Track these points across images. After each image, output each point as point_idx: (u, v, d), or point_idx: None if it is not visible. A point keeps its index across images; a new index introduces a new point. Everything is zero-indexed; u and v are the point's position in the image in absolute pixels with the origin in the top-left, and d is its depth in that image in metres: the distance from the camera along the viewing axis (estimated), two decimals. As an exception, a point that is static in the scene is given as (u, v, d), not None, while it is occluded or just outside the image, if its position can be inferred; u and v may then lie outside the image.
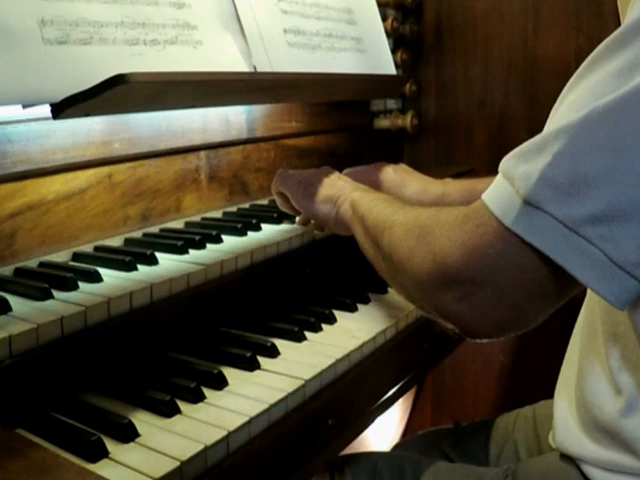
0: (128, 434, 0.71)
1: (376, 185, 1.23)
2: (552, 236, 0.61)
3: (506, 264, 0.65)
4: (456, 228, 0.69)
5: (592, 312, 0.84)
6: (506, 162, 0.67)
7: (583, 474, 0.82)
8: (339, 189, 1.08)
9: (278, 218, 1.22)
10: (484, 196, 0.68)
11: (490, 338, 0.72)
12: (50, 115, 0.84)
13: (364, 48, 1.42)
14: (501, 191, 0.66)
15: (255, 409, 0.77)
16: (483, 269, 0.66)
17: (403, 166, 1.31)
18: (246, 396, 0.81)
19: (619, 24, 0.64)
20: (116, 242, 1.10)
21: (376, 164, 1.30)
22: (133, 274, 0.94)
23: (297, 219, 1.22)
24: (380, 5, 1.56)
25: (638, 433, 0.75)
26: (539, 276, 0.64)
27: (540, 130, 0.65)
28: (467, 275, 0.67)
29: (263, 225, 1.19)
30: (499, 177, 0.67)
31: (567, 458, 0.85)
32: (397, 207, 0.87)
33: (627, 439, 0.76)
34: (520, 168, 0.64)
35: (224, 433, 0.72)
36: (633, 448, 0.75)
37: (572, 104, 0.63)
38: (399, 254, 0.78)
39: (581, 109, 0.60)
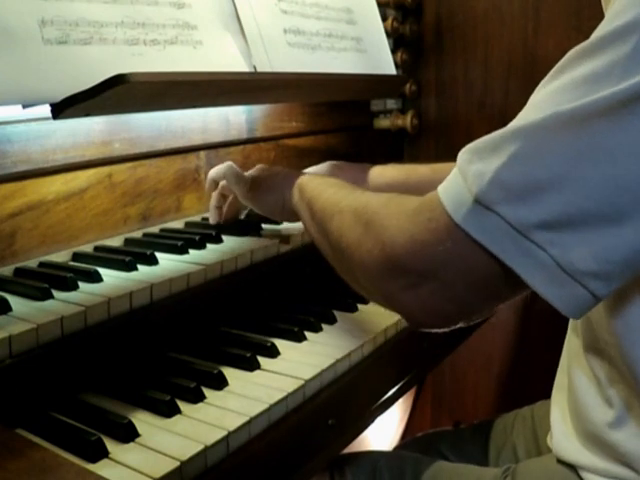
0: (128, 434, 0.71)
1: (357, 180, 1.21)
2: (501, 238, 0.61)
3: (454, 260, 0.64)
4: (407, 220, 0.68)
5: (575, 323, 0.84)
6: (462, 155, 0.66)
7: (580, 478, 0.82)
8: (284, 175, 1.05)
9: (278, 218, 1.22)
10: (439, 187, 0.67)
11: (434, 329, 0.72)
12: (50, 115, 0.84)
13: (364, 48, 1.42)
14: (454, 186, 0.65)
15: (255, 409, 0.77)
16: (431, 263, 0.66)
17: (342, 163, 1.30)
18: (246, 396, 0.81)
19: None
20: (116, 242, 1.10)
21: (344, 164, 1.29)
22: (133, 274, 0.94)
23: (211, 216, 1.20)
24: (380, 5, 1.56)
25: (629, 445, 0.75)
26: (487, 274, 0.64)
27: None
28: (414, 267, 0.67)
29: (263, 225, 1.19)
30: (455, 171, 0.66)
31: (564, 462, 0.85)
32: (347, 192, 0.86)
33: (619, 451, 0.76)
34: (474, 165, 0.63)
35: (224, 433, 0.72)
36: (625, 460, 0.75)
37: (534, 105, 0.62)
38: (347, 240, 0.76)
39: (540, 111, 0.60)
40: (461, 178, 0.64)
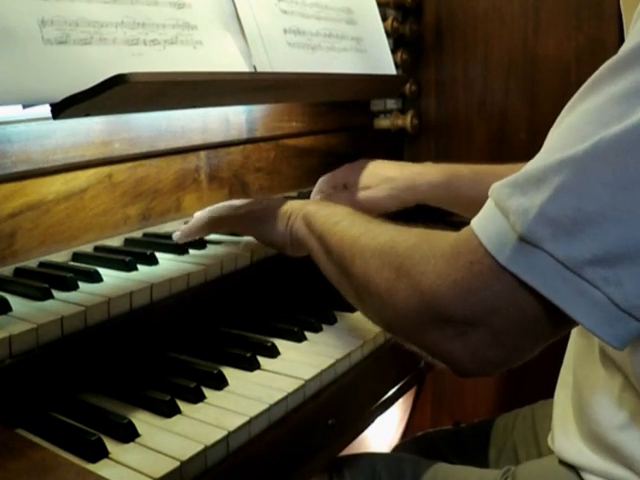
0: (128, 434, 0.71)
1: (359, 176, 1.22)
2: (551, 277, 0.57)
3: (503, 304, 0.61)
4: (446, 264, 0.63)
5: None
6: (500, 190, 0.62)
7: (582, 479, 0.82)
8: (288, 207, 0.98)
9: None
10: (475, 226, 0.63)
11: (483, 376, 0.68)
12: (50, 115, 0.84)
13: (364, 48, 1.42)
14: (494, 223, 0.61)
15: (255, 409, 0.77)
16: (479, 310, 0.61)
17: (379, 160, 1.27)
18: (246, 396, 0.81)
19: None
20: (116, 242, 1.10)
21: (348, 164, 1.27)
22: (133, 274, 0.94)
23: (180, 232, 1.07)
24: (380, 5, 1.56)
25: (635, 448, 0.74)
26: (537, 316, 0.60)
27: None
28: (461, 315, 0.62)
29: (263, 225, 1.19)
30: (490, 205, 0.63)
31: (566, 463, 0.85)
32: (362, 226, 0.80)
33: (623, 453, 0.75)
34: (516, 200, 0.59)
35: (224, 433, 0.72)
36: (629, 462, 0.75)
37: (573, 129, 0.59)
38: (378, 287, 0.71)
39: (585, 138, 0.56)
40: (501, 214, 0.60)
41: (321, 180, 1.27)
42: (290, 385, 0.83)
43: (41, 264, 0.98)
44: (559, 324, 0.62)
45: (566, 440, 0.84)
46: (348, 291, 0.82)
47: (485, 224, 0.62)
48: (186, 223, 1.22)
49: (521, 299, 0.60)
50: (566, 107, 0.62)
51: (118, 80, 0.81)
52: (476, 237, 0.62)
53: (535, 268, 0.58)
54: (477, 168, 1.17)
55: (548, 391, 0.95)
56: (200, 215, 1.09)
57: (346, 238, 0.80)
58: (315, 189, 1.28)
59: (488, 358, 0.64)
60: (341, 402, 0.91)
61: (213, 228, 1.08)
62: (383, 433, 1.92)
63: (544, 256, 0.57)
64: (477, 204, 1.03)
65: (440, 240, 0.67)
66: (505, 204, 0.60)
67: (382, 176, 1.21)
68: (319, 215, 0.90)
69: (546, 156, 0.60)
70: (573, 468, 0.83)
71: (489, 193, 0.63)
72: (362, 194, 1.21)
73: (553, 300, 0.58)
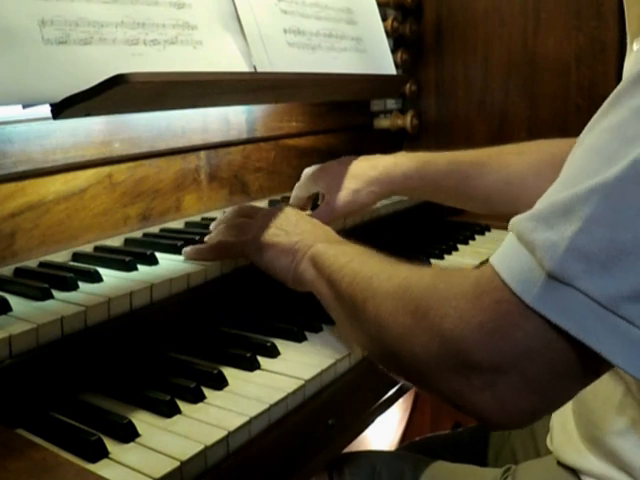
0: (128, 434, 0.71)
1: (331, 191, 1.18)
2: (583, 316, 0.52)
3: (535, 346, 0.55)
4: (469, 305, 0.58)
5: None
6: (522, 224, 0.57)
7: None
8: (296, 240, 0.92)
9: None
10: (496, 263, 0.58)
11: (515, 427, 0.64)
12: (50, 115, 0.84)
13: (364, 48, 1.42)
14: (518, 260, 0.56)
15: (255, 409, 0.77)
16: (508, 353, 0.56)
17: (347, 158, 1.24)
18: (246, 396, 0.81)
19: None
20: (116, 242, 1.10)
21: (339, 159, 1.23)
22: (133, 274, 0.94)
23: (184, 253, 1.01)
24: (380, 5, 1.56)
25: (634, 455, 0.73)
26: (571, 359, 0.55)
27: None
28: (488, 361, 0.57)
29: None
30: (512, 240, 0.58)
31: (564, 464, 0.85)
32: (374, 267, 0.75)
33: (623, 459, 0.75)
34: (542, 234, 0.54)
35: (224, 433, 0.72)
36: (628, 469, 0.74)
37: (597, 150, 0.55)
38: (392, 333, 0.66)
39: (613, 160, 0.52)
40: (525, 250, 0.56)
41: (297, 188, 1.23)
42: (290, 385, 0.83)
43: (41, 264, 0.98)
44: (595, 366, 0.57)
45: (565, 442, 0.84)
46: (360, 337, 0.77)
47: (508, 261, 0.57)
48: (186, 223, 1.23)
49: (552, 341, 0.54)
50: (587, 127, 0.58)
51: (118, 80, 0.81)
52: (497, 276, 0.57)
53: (566, 307, 0.53)
54: (451, 156, 1.15)
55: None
56: (211, 237, 1.04)
57: (357, 281, 0.75)
58: (293, 197, 1.24)
59: (520, 408, 0.58)
60: (341, 402, 0.91)
61: (222, 254, 1.00)
62: (383, 433, 1.92)
63: (575, 294, 0.52)
64: (454, 193, 1.00)
65: (459, 279, 0.62)
66: (529, 238, 0.55)
67: (358, 177, 1.17)
68: (327, 256, 0.85)
69: (571, 183, 0.55)
70: (572, 470, 0.83)
71: (509, 227, 0.59)
72: (341, 200, 1.16)
73: (586, 341, 0.53)
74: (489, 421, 0.60)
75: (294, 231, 0.94)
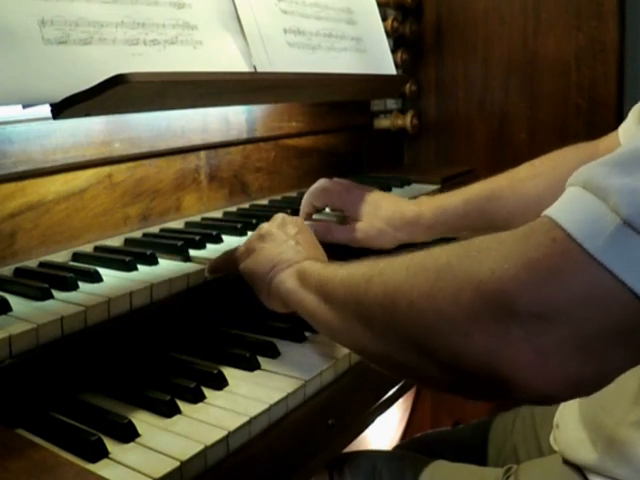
0: (128, 434, 0.71)
1: (349, 205, 1.16)
2: None
3: (592, 298, 0.48)
4: (516, 244, 0.51)
5: None
6: (592, 171, 0.51)
7: (586, 479, 0.82)
8: (284, 250, 0.87)
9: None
10: (554, 213, 0.51)
11: (551, 399, 0.52)
12: (50, 115, 0.84)
13: (364, 48, 1.42)
14: (584, 207, 0.50)
15: (255, 409, 0.77)
16: (560, 300, 0.48)
17: (374, 189, 1.22)
18: (246, 396, 0.81)
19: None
20: (116, 242, 1.10)
21: (343, 182, 1.20)
22: (133, 274, 0.94)
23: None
24: (380, 5, 1.56)
25: None
26: (633, 321, 0.48)
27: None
28: (536, 307, 0.49)
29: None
30: (575, 190, 0.52)
31: (570, 462, 0.84)
32: (374, 261, 0.67)
33: (631, 451, 0.74)
34: (617, 179, 0.48)
35: (224, 433, 0.72)
36: (636, 462, 0.74)
37: None
38: (411, 295, 0.57)
39: None
40: (592, 196, 0.50)
41: (311, 195, 1.18)
42: (290, 385, 0.83)
43: (41, 264, 0.98)
44: None
45: (571, 439, 0.84)
46: (359, 331, 0.66)
47: (569, 209, 0.51)
48: (186, 223, 1.23)
49: (613, 296, 0.47)
50: None
51: (118, 80, 0.81)
52: (557, 225, 0.50)
53: (637, 261, 0.47)
54: (466, 195, 1.14)
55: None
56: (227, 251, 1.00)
57: (355, 273, 0.68)
58: (304, 203, 1.20)
59: (564, 369, 0.49)
60: (341, 402, 0.91)
61: (228, 268, 0.98)
62: (383, 433, 1.92)
63: None
64: (472, 230, 0.97)
65: (502, 234, 0.55)
66: (602, 184, 0.49)
67: (384, 219, 1.15)
68: (316, 267, 0.80)
69: None
70: (577, 468, 0.83)
71: (570, 181, 0.53)
72: (366, 234, 1.15)
73: None
74: (526, 386, 0.50)
75: (284, 243, 0.90)
